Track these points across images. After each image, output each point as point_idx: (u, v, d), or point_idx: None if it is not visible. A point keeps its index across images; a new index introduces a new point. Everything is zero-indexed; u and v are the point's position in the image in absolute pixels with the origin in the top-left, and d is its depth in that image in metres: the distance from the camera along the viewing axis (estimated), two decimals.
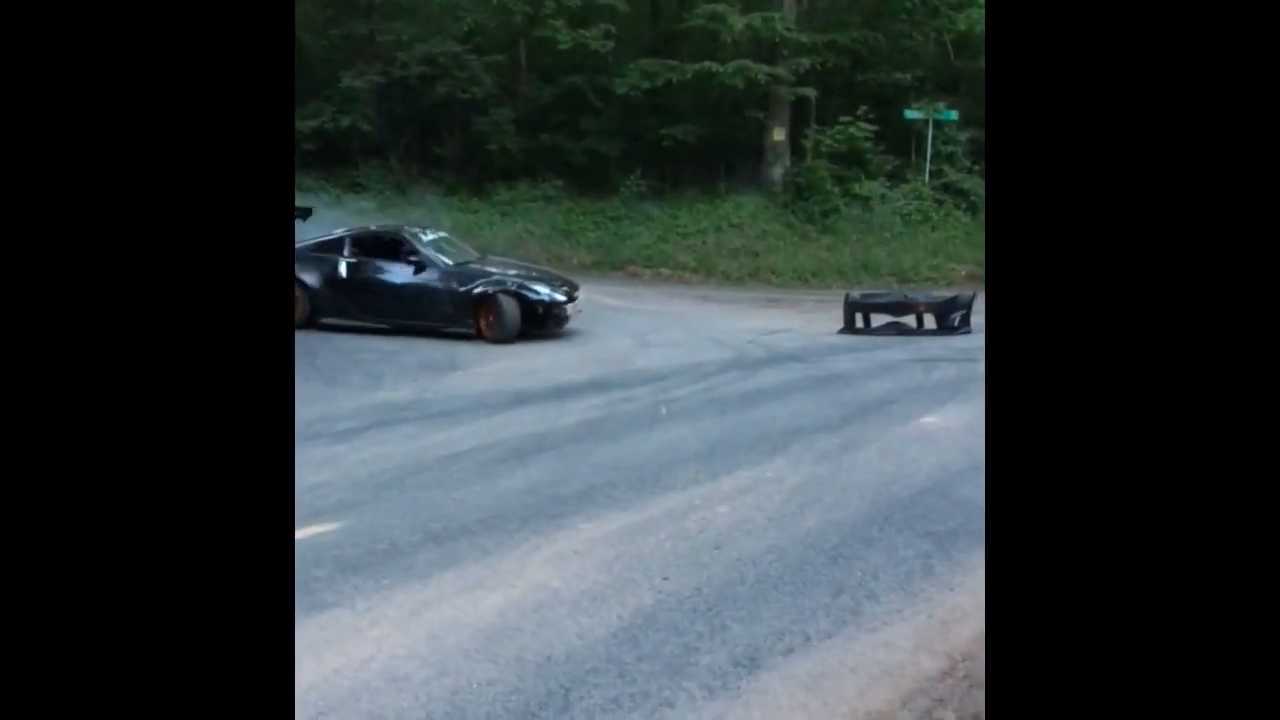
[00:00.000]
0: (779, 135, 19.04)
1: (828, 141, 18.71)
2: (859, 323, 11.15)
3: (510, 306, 10.09)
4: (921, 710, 2.65)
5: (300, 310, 10.07)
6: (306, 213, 10.81)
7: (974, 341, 10.14)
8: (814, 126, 19.13)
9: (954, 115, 19.26)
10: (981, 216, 18.83)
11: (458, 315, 10.24)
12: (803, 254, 17.61)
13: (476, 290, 10.24)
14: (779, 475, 5.03)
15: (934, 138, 19.14)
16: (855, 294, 11.80)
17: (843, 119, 18.63)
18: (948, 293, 12.38)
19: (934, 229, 18.50)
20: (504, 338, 9.99)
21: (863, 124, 18.40)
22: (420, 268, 10.34)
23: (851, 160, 18.78)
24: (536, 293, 10.28)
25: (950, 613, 3.28)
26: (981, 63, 18.91)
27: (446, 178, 18.28)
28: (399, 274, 10.36)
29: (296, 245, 9.85)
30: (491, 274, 10.54)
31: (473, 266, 10.73)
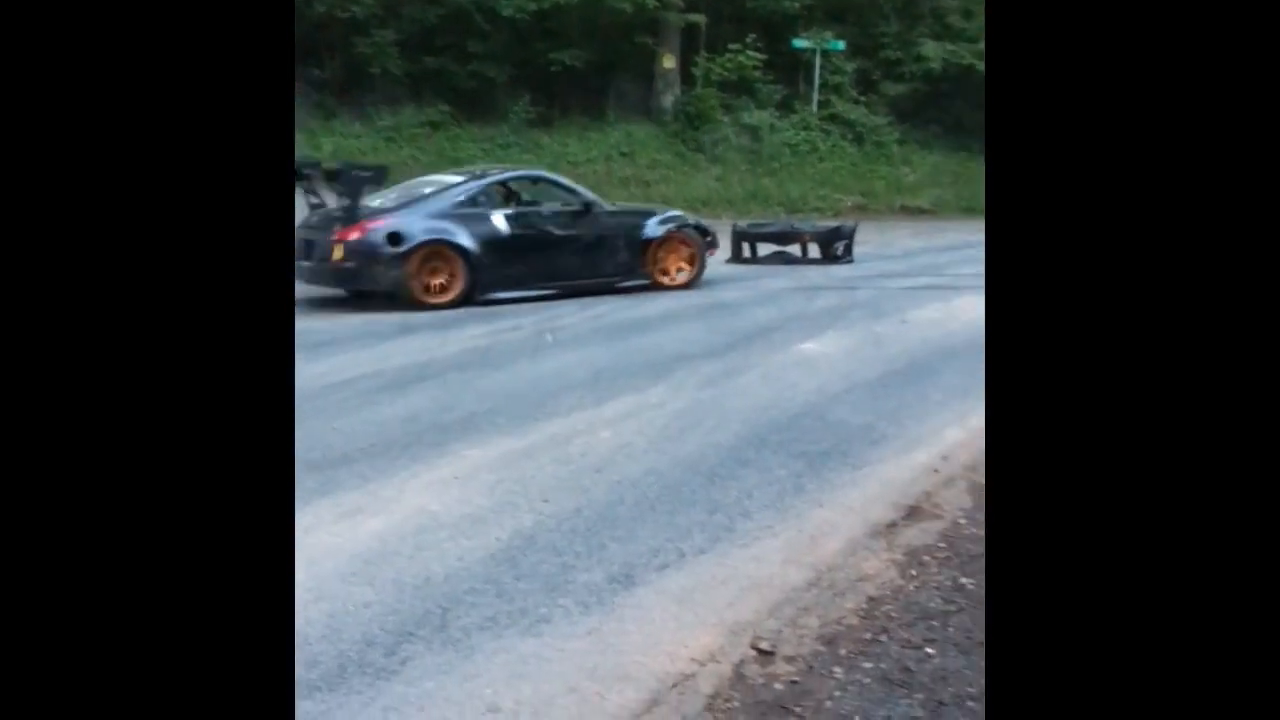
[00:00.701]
0: (669, 63, 18.94)
1: (717, 70, 18.71)
2: (746, 252, 11.32)
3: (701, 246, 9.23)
4: (786, 619, 2.77)
5: (459, 284, 8.22)
6: (382, 174, 8.86)
7: (856, 270, 10.40)
8: (703, 54, 19.06)
9: (841, 45, 19.44)
10: (866, 146, 19.18)
11: (632, 265, 9.04)
12: (693, 183, 17.68)
13: (649, 232, 9.08)
14: (662, 400, 5.11)
15: (822, 68, 19.30)
16: (742, 224, 11.95)
17: (732, 47, 18.63)
18: (833, 223, 12.62)
19: (821, 159, 18.78)
20: (689, 283, 9.08)
21: (752, 53, 18.45)
22: (579, 214, 8.87)
23: (741, 89, 18.85)
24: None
25: (818, 527, 3.41)
26: None
27: (327, 102, 17.67)
28: (563, 224, 8.79)
29: (434, 202, 8.40)
30: (650, 211, 9.47)
31: (616, 205, 9.50)
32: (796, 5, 19.19)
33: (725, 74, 18.57)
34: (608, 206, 9.24)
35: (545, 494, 3.70)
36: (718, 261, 10.84)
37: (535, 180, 9.57)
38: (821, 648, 2.61)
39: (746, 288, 9.13)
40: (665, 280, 9.08)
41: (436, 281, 8.18)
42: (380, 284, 8.09)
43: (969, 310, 7.68)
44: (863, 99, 19.83)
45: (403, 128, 17.42)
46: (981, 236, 9.02)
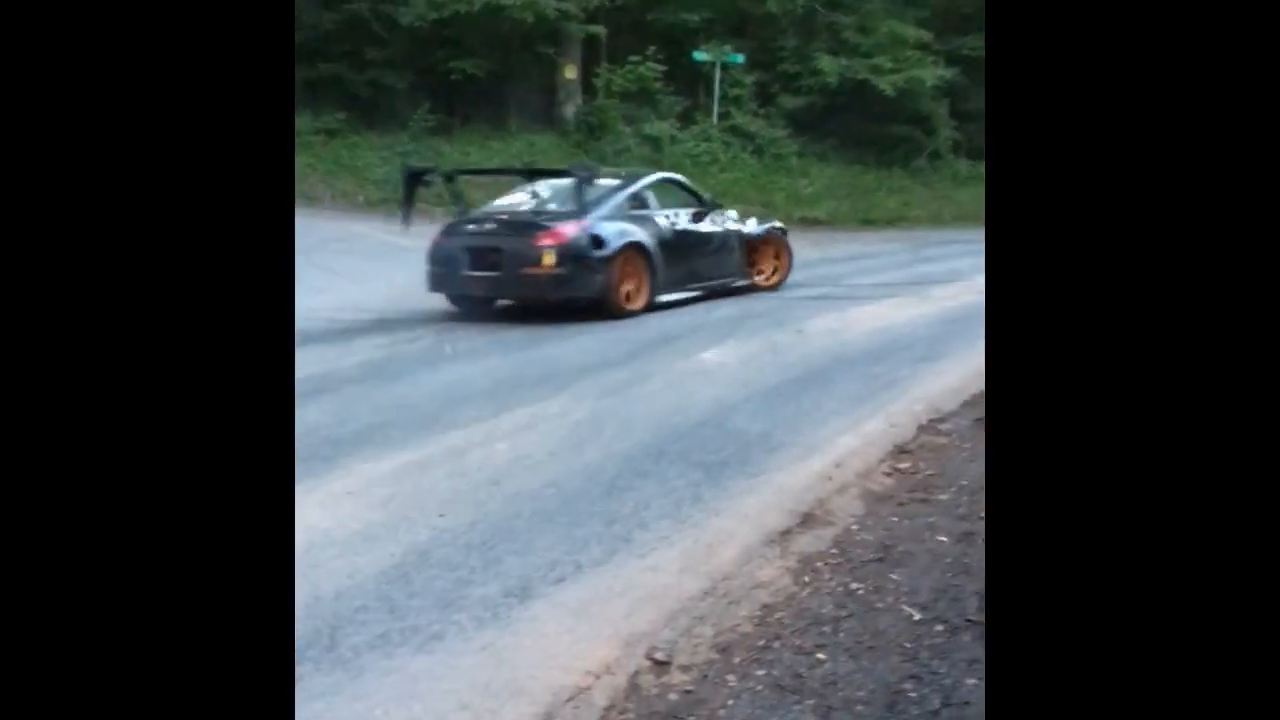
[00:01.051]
0: (570, 73, 18.97)
1: (619, 81, 18.79)
2: None
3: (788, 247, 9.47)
4: (682, 628, 2.78)
5: (645, 289, 8.05)
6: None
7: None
8: (604, 65, 19.13)
9: (741, 58, 19.71)
10: (766, 158, 19.48)
11: (743, 265, 9.18)
12: None
13: (750, 231, 9.24)
14: (562, 411, 5.10)
15: (721, 80, 19.54)
16: None
17: (633, 58, 18.73)
18: None
19: (722, 170, 18.96)
20: (780, 283, 9.28)
21: (653, 64, 18.57)
22: (701, 215, 8.90)
23: (642, 100, 18.96)
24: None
25: (715, 536, 3.44)
26: (767, 6, 19.42)
27: None
28: (702, 226, 8.85)
29: (607, 205, 8.13)
30: (728, 213, 9.39)
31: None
32: (696, 19, 19.39)
33: (626, 85, 18.65)
34: (721, 208, 9.37)
35: (441, 508, 3.65)
36: None
37: (669, 183, 9.43)
38: (716, 656, 2.62)
39: None
40: (760, 280, 9.31)
41: (628, 287, 7.95)
42: (587, 291, 7.73)
43: (864, 320, 7.85)
44: (762, 111, 20.13)
45: (299, 135, 17.02)
46: (875, 248, 9.32)
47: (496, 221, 8.20)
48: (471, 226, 8.17)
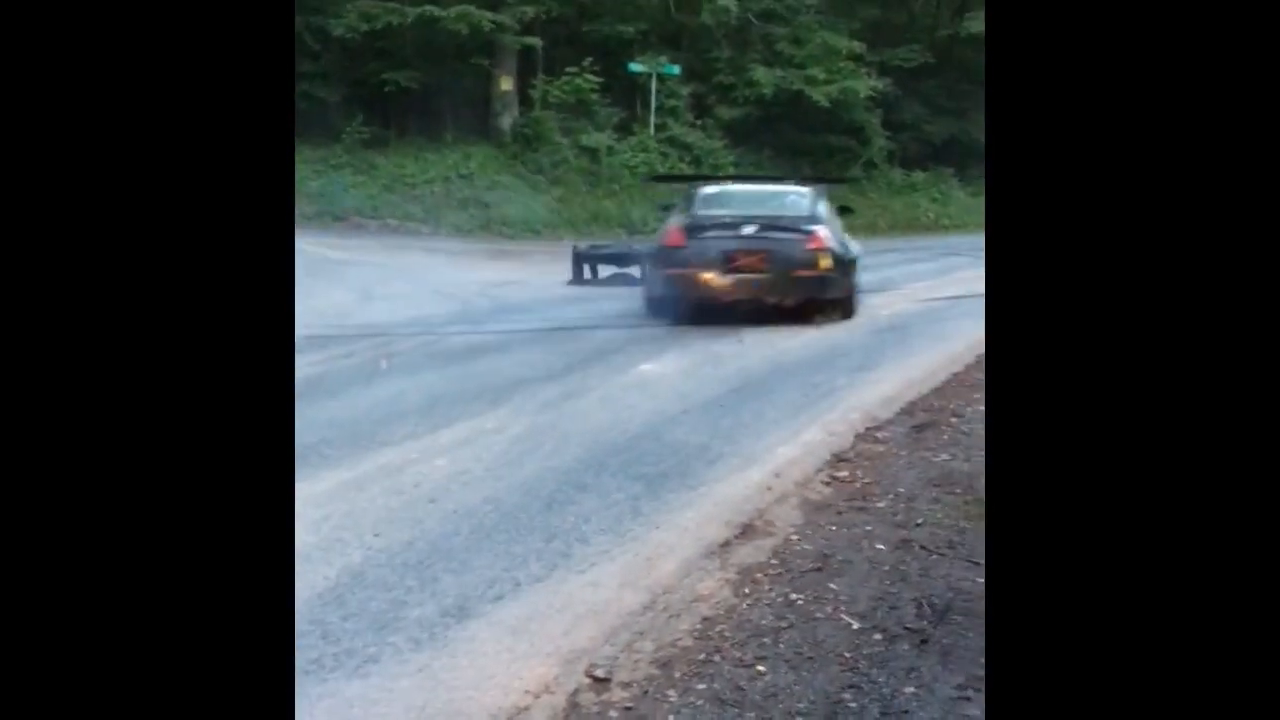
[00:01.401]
0: (506, 85, 18.90)
1: (555, 92, 18.77)
2: (587, 274, 11.34)
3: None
4: (623, 644, 2.76)
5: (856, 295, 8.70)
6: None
7: None
8: (541, 77, 19.11)
9: (677, 70, 19.81)
10: (703, 168, 19.58)
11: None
12: (533, 205, 17.64)
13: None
14: (500, 426, 5.05)
15: (658, 91, 19.62)
16: (582, 245, 11.97)
17: (569, 70, 18.73)
18: None
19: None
20: None
21: (589, 76, 18.58)
22: None
23: (579, 111, 18.95)
24: None
25: (654, 550, 3.42)
26: (701, 18, 19.55)
27: None
28: None
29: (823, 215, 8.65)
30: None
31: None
32: (632, 30, 19.45)
33: (563, 96, 18.64)
34: None
35: (376, 527, 3.59)
36: (558, 283, 10.84)
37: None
38: (656, 671, 2.60)
39: (587, 309, 9.14)
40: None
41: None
42: (839, 292, 8.30)
43: (804, 330, 7.91)
44: (699, 122, 20.24)
45: None
46: None
47: (752, 225, 8.35)
48: (716, 231, 8.32)
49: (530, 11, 17.95)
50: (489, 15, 17.13)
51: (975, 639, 2.69)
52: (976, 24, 21.14)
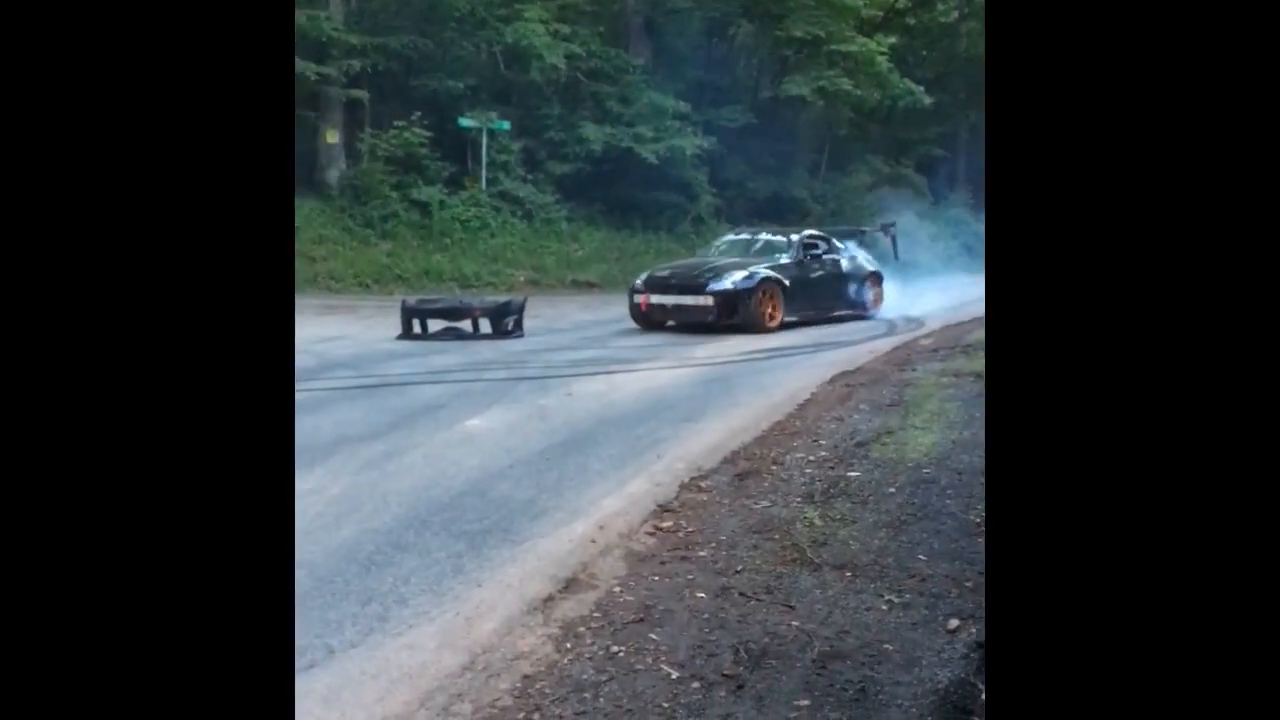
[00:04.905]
0: (332, 137, 18.59)
1: (384, 145, 18.56)
2: (416, 328, 11.17)
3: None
4: (439, 707, 2.70)
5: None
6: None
7: (525, 344, 10.56)
8: (368, 130, 18.88)
9: (507, 125, 19.92)
10: (536, 223, 19.69)
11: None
12: (362, 259, 17.31)
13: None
14: (318, 487, 4.88)
15: (489, 146, 19.66)
16: (411, 300, 11.81)
17: (397, 124, 18.56)
18: (503, 297, 12.76)
19: (493, 235, 19.02)
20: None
21: (418, 129, 18.46)
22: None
23: (409, 165, 18.78)
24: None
25: (475, 609, 3.37)
26: (531, 75, 19.76)
27: None
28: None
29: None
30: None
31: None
32: (461, 85, 19.46)
33: (392, 150, 18.42)
34: None
35: None
36: (385, 339, 10.64)
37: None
38: None
39: (414, 365, 8.99)
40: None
41: None
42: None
43: (629, 382, 8.01)
44: (530, 177, 20.37)
45: None
46: None
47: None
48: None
49: (357, 65, 17.76)
50: (314, 66, 16.87)
51: (788, 682, 2.76)
52: (795, 87, 22.18)
